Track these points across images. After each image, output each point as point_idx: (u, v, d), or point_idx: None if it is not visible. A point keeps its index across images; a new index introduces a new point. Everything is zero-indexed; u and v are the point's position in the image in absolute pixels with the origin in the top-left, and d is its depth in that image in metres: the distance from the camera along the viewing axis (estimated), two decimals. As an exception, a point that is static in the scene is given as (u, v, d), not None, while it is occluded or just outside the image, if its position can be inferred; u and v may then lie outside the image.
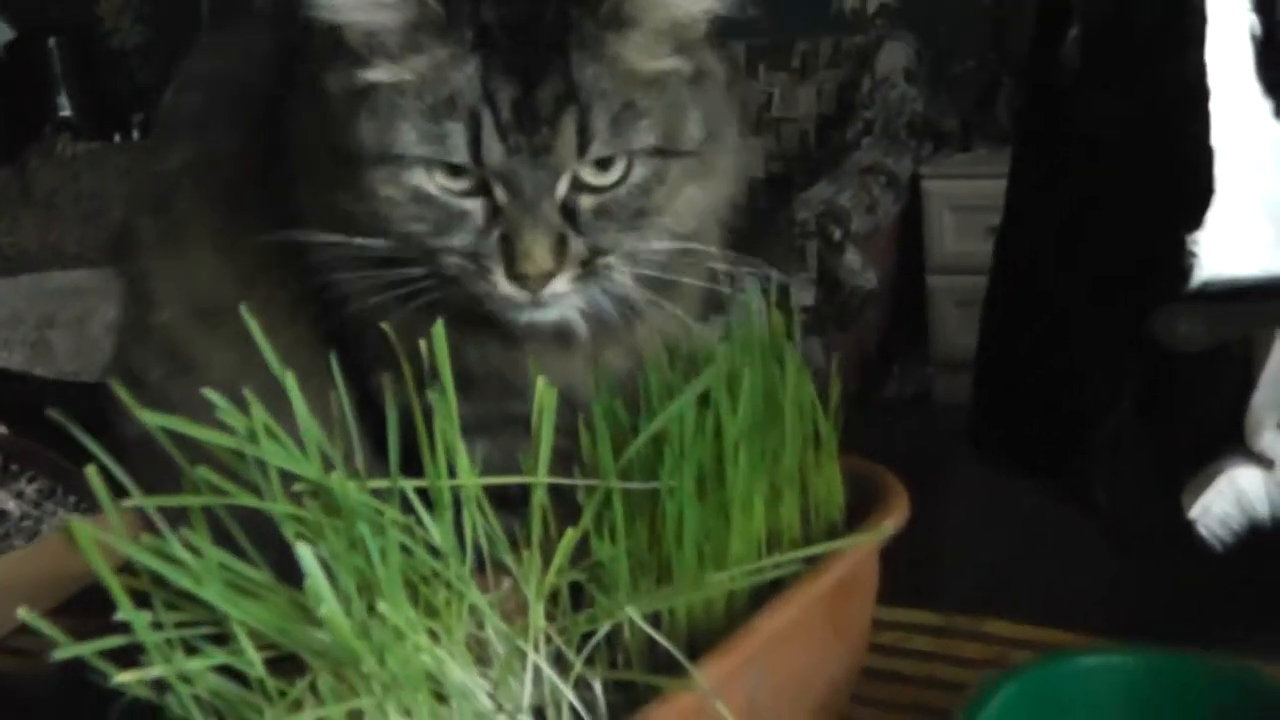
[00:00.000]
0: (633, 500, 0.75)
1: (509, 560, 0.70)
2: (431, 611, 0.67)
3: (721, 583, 0.73)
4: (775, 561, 0.75)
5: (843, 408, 2.42)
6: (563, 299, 0.76)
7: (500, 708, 0.67)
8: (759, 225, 3.60)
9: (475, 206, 0.73)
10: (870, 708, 0.85)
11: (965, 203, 3.49)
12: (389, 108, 0.72)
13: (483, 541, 0.70)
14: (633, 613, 0.69)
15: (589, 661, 0.69)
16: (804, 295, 3.39)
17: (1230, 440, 1.90)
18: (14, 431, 1.60)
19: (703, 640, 0.74)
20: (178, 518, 0.64)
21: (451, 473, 0.69)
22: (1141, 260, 1.99)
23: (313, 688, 0.63)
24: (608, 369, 0.79)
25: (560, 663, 0.69)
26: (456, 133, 0.71)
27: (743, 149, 0.81)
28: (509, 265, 0.73)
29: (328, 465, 0.66)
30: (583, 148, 0.72)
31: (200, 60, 0.88)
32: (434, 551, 0.68)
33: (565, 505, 0.74)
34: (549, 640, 0.69)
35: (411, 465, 0.69)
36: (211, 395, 0.63)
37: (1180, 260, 1.97)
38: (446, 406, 0.68)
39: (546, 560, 0.70)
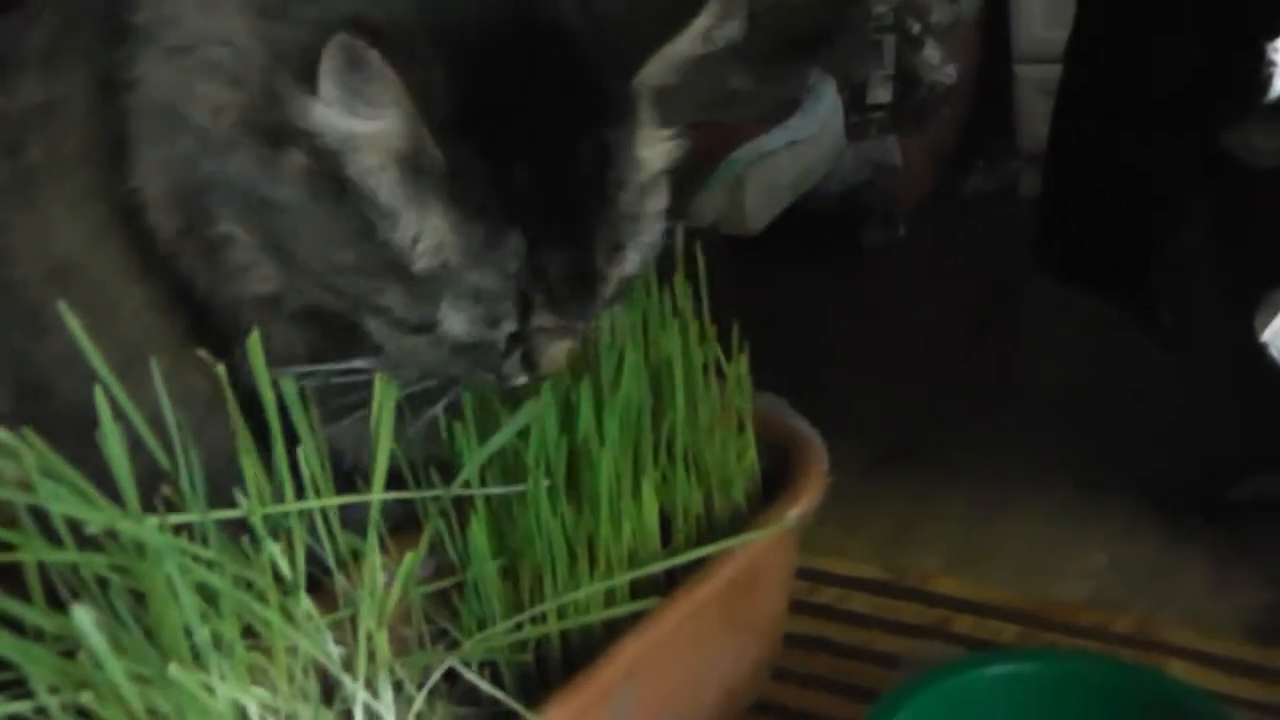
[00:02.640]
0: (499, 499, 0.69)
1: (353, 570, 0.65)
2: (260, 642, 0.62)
3: (585, 599, 0.67)
4: (657, 567, 0.69)
5: (921, 206, 2.24)
6: None
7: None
8: (833, 21, 3.45)
9: (500, 337, 0.66)
10: (790, 684, 0.80)
11: (1056, -13, 3.30)
12: (427, 288, 0.64)
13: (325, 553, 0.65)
14: (462, 667, 0.63)
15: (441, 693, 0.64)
16: (880, 93, 3.26)
17: (1306, 262, 1.81)
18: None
19: (580, 646, 0.69)
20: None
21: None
22: (1218, 70, 1.87)
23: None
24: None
25: (403, 694, 0.64)
26: (506, 314, 0.64)
27: None
28: (531, 372, 0.67)
29: (152, 484, 0.61)
30: (621, 278, 0.67)
31: None
32: (276, 579, 0.63)
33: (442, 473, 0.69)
34: (392, 671, 0.64)
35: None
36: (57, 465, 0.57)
37: (1259, 70, 1.85)
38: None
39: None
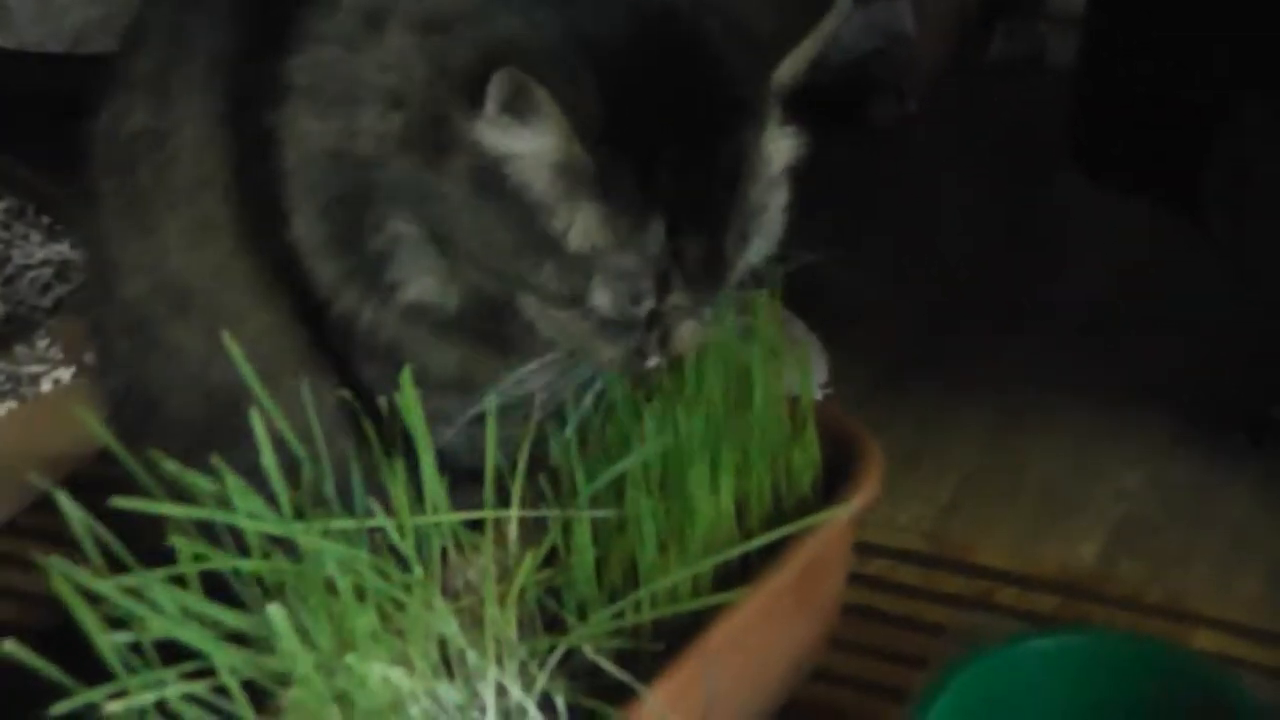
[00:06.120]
0: (598, 496, 0.91)
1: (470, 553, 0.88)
2: (399, 631, 0.85)
3: (674, 587, 0.90)
4: (735, 552, 0.92)
5: (935, 77, 2.24)
6: None
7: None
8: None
9: (640, 314, 0.86)
10: (845, 652, 1.04)
11: None
12: (579, 266, 0.84)
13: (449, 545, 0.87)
14: (588, 646, 0.86)
15: (554, 670, 0.87)
16: (890, -51, 3.40)
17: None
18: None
19: (669, 625, 0.92)
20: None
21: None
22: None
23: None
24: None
25: (525, 673, 0.87)
26: (647, 292, 0.85)
27: None
28: (663, 349, 0.88)
29: (295, 481, 0.83)
30: (744, 265, 0.88)
31: (156, 3, 0.98)
32: (402, 564, 0.85)
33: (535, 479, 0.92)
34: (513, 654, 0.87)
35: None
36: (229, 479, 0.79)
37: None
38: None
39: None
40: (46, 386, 1.35)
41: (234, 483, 0.80)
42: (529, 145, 0.82)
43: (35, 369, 1.36)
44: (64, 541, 0.79)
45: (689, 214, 0.84)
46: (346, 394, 0.92)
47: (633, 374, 0.92)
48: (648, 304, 0.85)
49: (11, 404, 1.33)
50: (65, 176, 1.62)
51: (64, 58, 2.06)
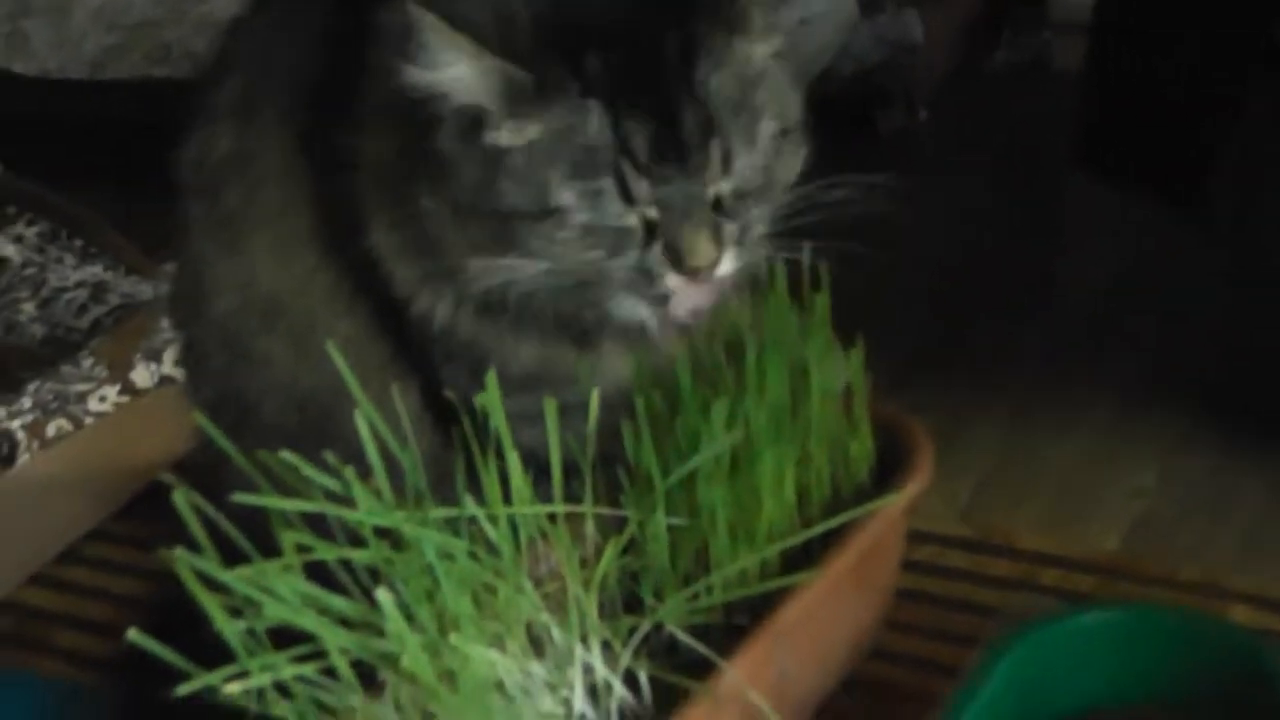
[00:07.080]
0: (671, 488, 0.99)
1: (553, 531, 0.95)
2: (492, 614, 0.93)
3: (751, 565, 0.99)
4: (799, 539, 1.00)
5: (942, 85, 2.28)
6: (726, 277, 0.93)
7: (558, 698, 0.93)
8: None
9: (634, 222, 0.89)
10: (898, 632, 1.13)
11: None
12: (529, 170, 0.88)
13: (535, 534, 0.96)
14: (671, 624, 0.95)
15: (636, 648, 0.95)
16: (897, -40, 3.47)
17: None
18: (7, 166, 1.81)
19: (738, 606, 1.00)
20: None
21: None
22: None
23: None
24: (647, 363, 1.02)
25: (608, 651, 0.95)
26: (606, 186, 0.87)
27: None
28: (678, 265, 0.89)
29: (396, 483, 0.91)
30: (726, 168, 0.89)
31: (239, 38, 1.07)
32: (493, 552, 0.93)
33: (612, 470, 1.00)
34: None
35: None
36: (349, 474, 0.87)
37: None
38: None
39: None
40: (94, 404, 1.43)
41: (344, 477, 0.89)
42: (448, 74, 0.87)
43: (82, 387, 1.44)
44: (150, 545, 0.87)
45: (630, 97, 0.87)
46: (450, 395, 0.99)
47: (652, 300, 0.93)
48: (613, 204, 0.88)
49: (61, 421, 1.41)
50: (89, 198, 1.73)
51: (83, 84, 2.15)
